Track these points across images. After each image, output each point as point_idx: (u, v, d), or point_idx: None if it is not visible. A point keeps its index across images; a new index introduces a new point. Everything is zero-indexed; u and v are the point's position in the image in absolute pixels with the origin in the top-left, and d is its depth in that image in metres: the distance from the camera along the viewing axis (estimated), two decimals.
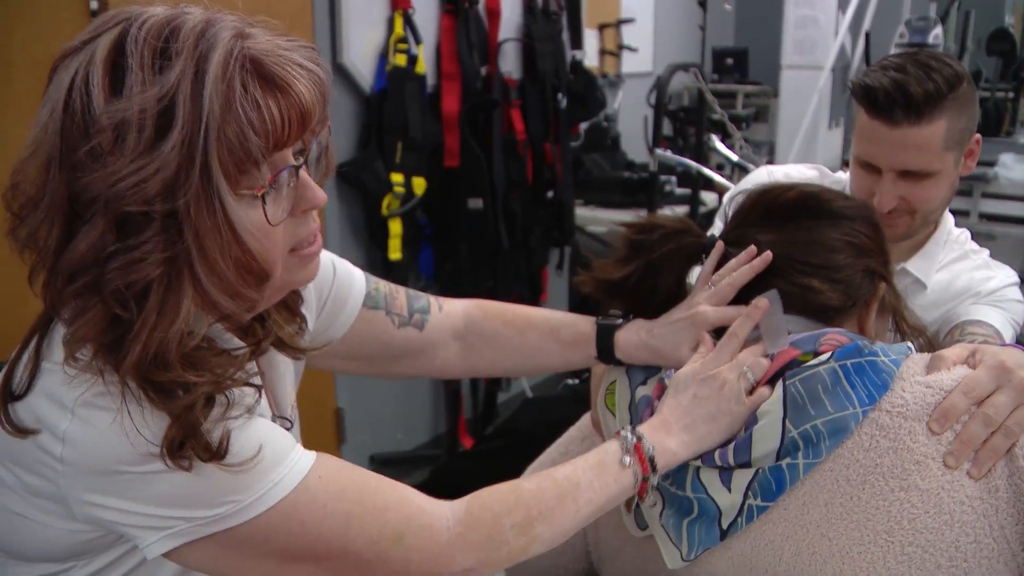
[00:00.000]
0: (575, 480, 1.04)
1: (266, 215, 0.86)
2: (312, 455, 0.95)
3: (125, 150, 0.78)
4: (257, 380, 0.94)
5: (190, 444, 0.84)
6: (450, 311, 1.33)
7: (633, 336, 1.20)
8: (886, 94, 1.44)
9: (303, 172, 0.91)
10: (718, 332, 1.15)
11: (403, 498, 0.98)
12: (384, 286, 1.29)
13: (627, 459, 1.05)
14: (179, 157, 0.78)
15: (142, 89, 0.79)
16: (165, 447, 0.84)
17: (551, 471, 1.06)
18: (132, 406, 0.83)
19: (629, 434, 1.06)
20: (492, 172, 3.49)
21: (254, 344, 1.01)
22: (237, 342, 0.99)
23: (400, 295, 1.30)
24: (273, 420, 1.03)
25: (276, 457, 0.91)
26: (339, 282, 1.23)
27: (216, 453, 0.85)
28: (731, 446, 1.04)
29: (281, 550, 0.91)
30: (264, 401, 1.02)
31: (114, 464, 0.84)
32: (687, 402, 1.08)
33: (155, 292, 0.81)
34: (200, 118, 0.79)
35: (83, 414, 0.84)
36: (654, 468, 1.05)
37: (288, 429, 1.05)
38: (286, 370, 1.13)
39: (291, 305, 1.11)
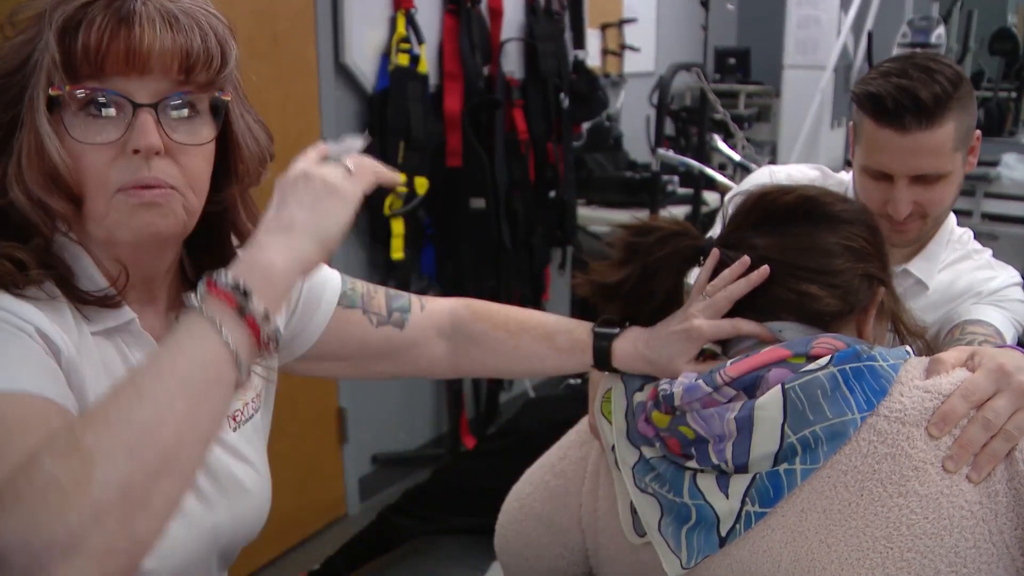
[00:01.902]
0: (136, 367, 0.84)
1: (67, 127, 0.92)
2: (37, 390, 0.82)
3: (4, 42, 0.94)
4: (34, 314, 0.89)
5: None
6: (433, 310, 1.32)
7: (630, 347, 1.19)
8: (894, 101, 1.43)
9: (143, 112, 0.93)
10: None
11: (27, 444, 0.75)
12: (361, 286, 1.29)
13: (199, 303, 0.83)
14: (22, 49, 0.93)
15: (36, 3, 0.94)
16: None
17: None
18: None
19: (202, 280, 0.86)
20: (494, 172, 3.49)
21: (105, 293, 0.98)
22: (100, 281, 0.98)
23: (379, 294, 1.30)
24: None
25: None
26: (311, 282, 1.22)
27: None
28: (729, 444, 1.03)
29: None
30: None
31: None
32: (273, 210, 0.94)
33: None
34: (44, 27, 0.91)
35: None
36: (245, 292, 0.84)
37: None
38: None
39: None
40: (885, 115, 1.45)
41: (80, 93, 0.92)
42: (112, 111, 0.93)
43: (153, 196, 0.95)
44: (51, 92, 0.91)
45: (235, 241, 1.11)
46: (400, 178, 1.03)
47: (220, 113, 1.00)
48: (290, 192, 0.94)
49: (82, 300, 0.97)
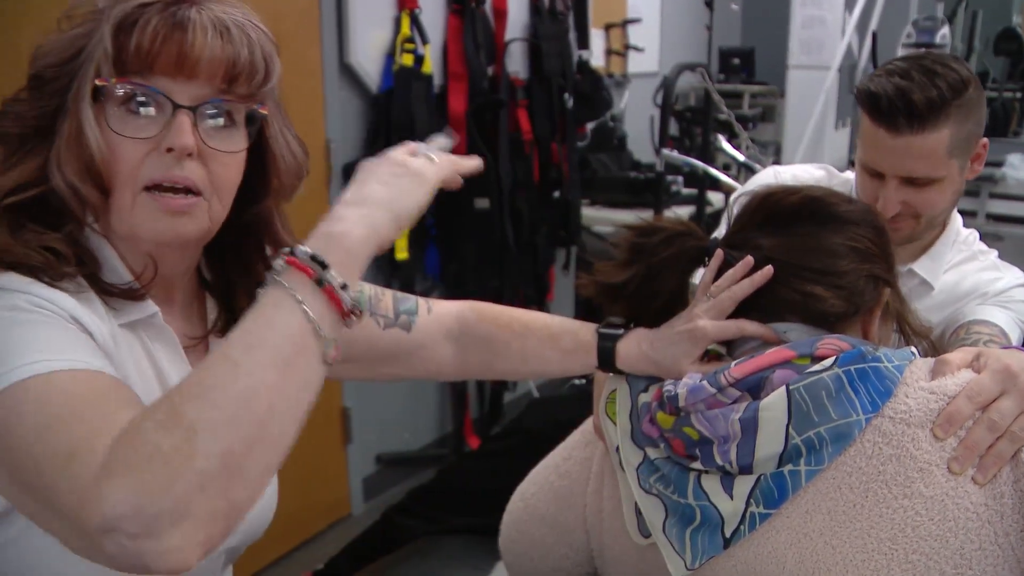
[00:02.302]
0: (226, 339, 0.82)
1: (107, 118, 0.95)
2: (92, 367, 0.85)
3: (61, 34, 0.98)
4: (67, 299, 0.91)
5: None
6: (440, 312, 1.33)
7: (634, 348, 1.19)
8: (889, 101, 1.43)
9: (181, 114, 0.95)
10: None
11: (111, 412, 0.79)
12: (368, 288, 1.30)
13: (280, 276, 0.84)
14: (77, 42, 0.96)
15: (95, 0, 0.98)
16: None
17: None
18: None
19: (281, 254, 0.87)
20: (498, 172, 3.49)
21: (130, 286, 1.00)
22: (125, 274, 1.01)
23: (386, 297, 1.31)
24: None
25: (54, 347, 0.85)
26: None
27: None
28: (733, 445, 1.03)
29: (6, 447, 0.81)
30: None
31: None
32: (354, 187, 0.95)
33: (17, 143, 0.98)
34: (101, 22, 0.94)
35: None
36: (322, 264, 0.85)
37: None
38: None
39: None
40: (879, 114, 1.46)
41: (125, 87, 0.95)
42: (152, 109, 0.96)
43: (179, 206, 0.97)
44: (97, 82, 0.94)
45: (269, 252, 1.14)
46: (481, 163, 1.06)
47: (255, 125, 1.03)
48: (371, 171, 0.97)
49: (107, 292, 0.98)
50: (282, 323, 0.82)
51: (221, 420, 0.76)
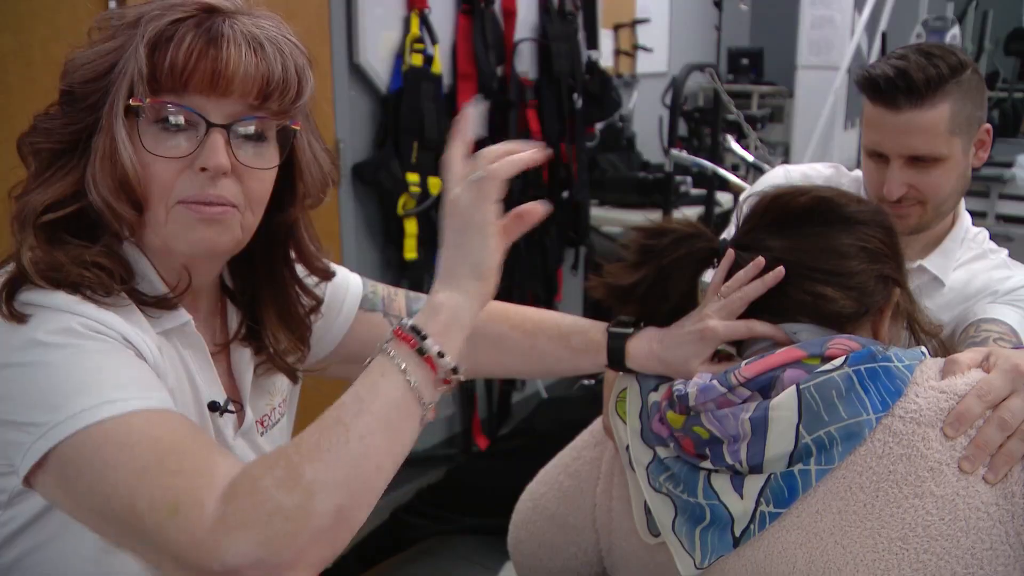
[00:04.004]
0: (337, 403, 0.89)
1: (141, 136, 0.95)
2: (159, 404, 0.89)
3: (91, 46, 0.97)
4: (114, 317, 0.93)
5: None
6: None
7: (644, 346, 1.19)
8: (887, 80, 1.47)
9: (215, 132, 0.95)
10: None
11: (204, 465, 0.85)
12: (382, 289, 1.31)
13: (387, 346, 0.92)
14: (109, 57, 0.95)
15: (125, 12, 0.97)
16: (4, 291, 0.91)
17: None
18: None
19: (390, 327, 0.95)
20: None
21: (162, 297, 1.01)
22: (159, 286, 1.02)
23: (399, 297, 1.31)
24: (225, 403, 1.08)
25: (118, 382, 0.88)
26: (333, 285, 1.24)
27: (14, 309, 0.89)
28: (743, 444, 1.03)
29: (91, 489, 0.85)
30: (210, 379, 1.07)
31: None
32: (442, 251, 0.99)
33: (50, 159, 0.98)
34: (134, 37, 0.94)
35: None
36: (422, 335, 0.92)
37: (232, 412, 1.09)
38: (246, 367, 1.15)
39: (298, 333, 1.17)
40: (879, 94, 1.49)
41: (159, 107, 0.94)
42: (185, 127, 0.96)
43: (214, 213, 0.97)
44: (131, 102, 0.94)
45: (294, 256, 1.15)
46: (541, 151, 1.05)
47: (288, 141, 1.03)
48: (444, 231, 0.99)
49: (141, 302, 0.99)
50: (388, 390, 0.89)
51: (336, 481, 0.83)
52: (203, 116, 0.95)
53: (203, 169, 0.95)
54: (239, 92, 0.96)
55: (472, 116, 1.03)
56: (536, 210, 1.05)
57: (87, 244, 0.96)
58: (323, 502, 0.82)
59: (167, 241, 0.98)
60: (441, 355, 0.92)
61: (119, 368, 0.90)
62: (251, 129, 0.98)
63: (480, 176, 0.98)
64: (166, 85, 0.94)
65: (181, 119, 0.95)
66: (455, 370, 0.93)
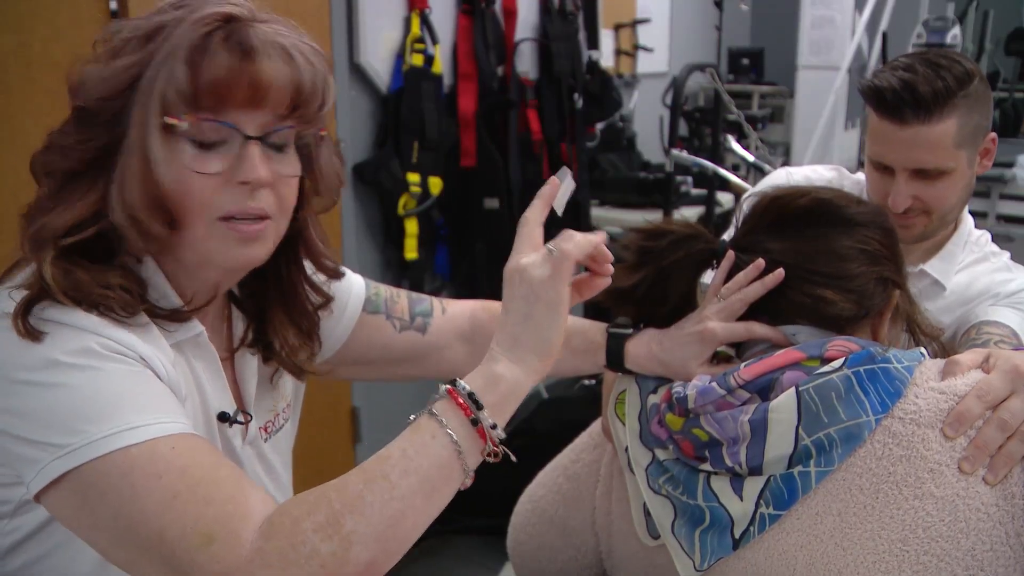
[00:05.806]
0: (383, 456, 0.90)
1: (176, 153, 0.93)
2: (181, 429, 0.90)
3: (102, 62, 0.94)
4: (137, 340, 0.93)
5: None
6: (454, 314, 1.34)
7: (643, 347, 1.19)
8: (894, 94, 1.44)
9: (252, 145, 0.95)
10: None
11: (235, 495, 0.87)
12: (385, 290, 1.31)
13: (440, 407, 0.92)
14: (128, 72, 0.92)
15: (139, 24, 0.94)
16: (22, 307, 0.90)
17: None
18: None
19: (443, 385, 0.94)
20: (508, 172, 3.49)
21: (176, 309, 1.01)
22: (175, 299, 1.01)
23: (402, 299, 1.32)
24: (235, 414, 1.08)
25: (140, 406, 0.89)
26: (337, 287, 1.24)
27: (30, 327, 0.89)
28: (743, 447, 1.03)
29: (116, 514, 0.86)
30: (218, 390, 1.07)
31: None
32: (501, 320, 0.99)
33: (66, 178, 0.96)
34: (159, 49, 0.92)
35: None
36: (479, 405, 0.92)
37: (241, 423, 1.10)
38: (251, 374, 1.15)
39: (307, 329, 1.17)
40: (885, 108, 1.47)
41: (199, 125, 0.93)
42: (223, 143, 0.95)
43: (254, 233, 0.97)
44: (168, 120, 0.92)
45: (306, 262, 1.16)
46: (602, 238, 1.05)
47: (307, 147, 1.03)
48: (509, 298, 0.99)
49: (154, 313, 0.99)
50: (435, 454, 0.90)
51: (373, 535, 0.85)
52: (239, 130, 0.94)
53: (243, 183, 0.95)
54: (273, 103, 0.95)
55: (561, 187, 1.04)
56: (599, 284, 1.08)
57: (105, 265, 0.95)
58: (359, 554, 0.84)
59: (207, 256, 0.98)
60: (494, 427, 0.92)
61: (139, 391, 0.90)
62: (282, 137, 0.98)
63: (559, 255, 0.98)
64: (204, 103, 0.92)
65: (219, 134, 0.94)
66: (501, 444, 0.93)
